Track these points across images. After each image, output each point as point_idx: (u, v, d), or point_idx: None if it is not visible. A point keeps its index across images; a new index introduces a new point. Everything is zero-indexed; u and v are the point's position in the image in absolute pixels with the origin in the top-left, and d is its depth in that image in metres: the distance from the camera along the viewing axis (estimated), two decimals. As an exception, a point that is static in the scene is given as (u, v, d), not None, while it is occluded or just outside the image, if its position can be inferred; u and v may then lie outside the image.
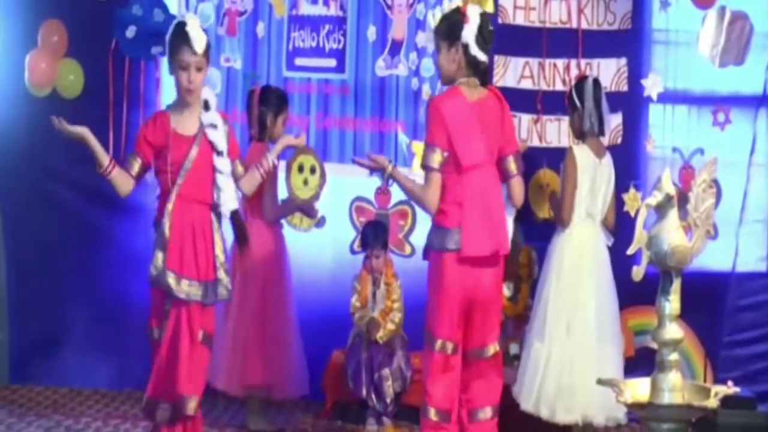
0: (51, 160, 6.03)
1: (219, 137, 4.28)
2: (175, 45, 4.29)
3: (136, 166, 4.33)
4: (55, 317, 6.08)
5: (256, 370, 5.31)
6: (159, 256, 4.21)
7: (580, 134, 5.10)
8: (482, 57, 4.28)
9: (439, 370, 4.36)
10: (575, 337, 4.96)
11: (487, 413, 4.46)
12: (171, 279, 4.19)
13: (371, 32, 5.84)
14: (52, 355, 6.09)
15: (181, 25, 4.30)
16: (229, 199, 4.31)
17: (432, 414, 4.36)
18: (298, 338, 5.49)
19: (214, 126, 4.27)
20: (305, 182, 5.72)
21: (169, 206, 4.22)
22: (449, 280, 4.31)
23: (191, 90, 4.27)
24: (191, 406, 4.21)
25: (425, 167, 4.33)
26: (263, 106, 5.39)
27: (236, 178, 4.42)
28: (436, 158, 4.28)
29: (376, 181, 5.87)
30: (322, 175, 5.81)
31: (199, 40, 4.23)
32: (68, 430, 5.33)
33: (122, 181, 4.32)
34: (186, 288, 4.20)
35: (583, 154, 5.02)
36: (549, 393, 4.93)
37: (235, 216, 4.39)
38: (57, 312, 6.08)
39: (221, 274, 4.28)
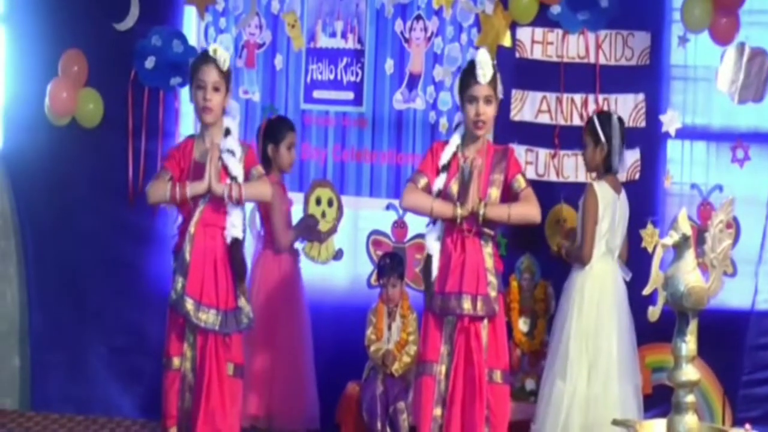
0: (72, 188, 6.06)
1: (234, 164, 4.25)
2: (194, 68, 4.31)
3: (167, 176, 4.29)
4: (76, 345, 6.08)
5: (256, 400, 5.26)
6: (179, 281, 4.17)
7: (597, 168, 5.09)
8: None
9: None
10: (599, 375, 4.94)
11: None
12: (189, 305, 4.15)
13: (389, 65, 5.84)
14: (71, 382, 6.08)
15: (204, 52, 4.33)
16: (234, 226, 4.24)
17: None
18: (310, 371, 5.46)
19: (232, 152, 4.25)
20: (322, 215, 5.75)
21: (192, 229, 4.18)
22: None
23: (207, 108, 4.22)
24: None
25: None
26: (264, 140, 5.40)
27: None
28: None
29: (392, 215, 5.89)
30: (339, 208, 5.81)
31: (217, 59, 4.23)
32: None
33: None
34: (204, 316, 4.16)
35: (603, 190, 5.01)
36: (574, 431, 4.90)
37: (234, 245, 4.27)
38: (77, 340, 6.08)
39: (242, 302, 4.23)
